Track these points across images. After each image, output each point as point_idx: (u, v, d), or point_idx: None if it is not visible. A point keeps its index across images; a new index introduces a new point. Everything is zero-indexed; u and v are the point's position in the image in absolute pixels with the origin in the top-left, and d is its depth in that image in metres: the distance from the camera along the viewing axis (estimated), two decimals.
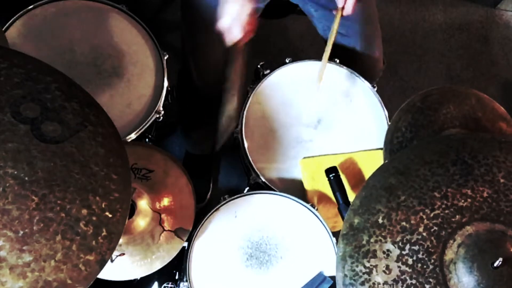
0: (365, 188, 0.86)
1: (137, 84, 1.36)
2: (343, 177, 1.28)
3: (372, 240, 0.80)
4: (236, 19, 1.18)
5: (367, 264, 0.79)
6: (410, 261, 0.79)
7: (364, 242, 0.80)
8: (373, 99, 1.44)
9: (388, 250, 0.79)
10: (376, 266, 0.79)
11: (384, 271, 0.78)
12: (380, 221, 0.81)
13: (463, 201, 0.83)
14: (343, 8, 1.32)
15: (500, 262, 0.76)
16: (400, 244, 0.80)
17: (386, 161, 1.14)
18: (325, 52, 1.37)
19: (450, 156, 0.86)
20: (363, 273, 0.79)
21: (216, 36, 1.43)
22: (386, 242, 0.80)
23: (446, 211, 0.82)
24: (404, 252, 0.79)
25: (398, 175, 0.85)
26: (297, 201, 1.27)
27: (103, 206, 0.77)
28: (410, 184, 0.84)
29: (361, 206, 0.83)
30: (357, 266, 0.79)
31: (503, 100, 2.25)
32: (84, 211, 0.76)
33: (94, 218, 0.76)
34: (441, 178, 0.84)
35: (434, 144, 0.93)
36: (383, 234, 0.80)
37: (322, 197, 1.32)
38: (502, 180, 0.85)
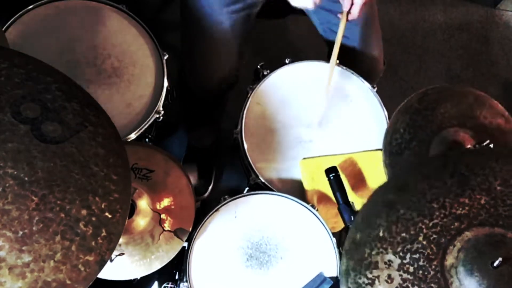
0: (366, 206, 0.87)
1: (137, 84, 1.36)
2: (343, 177, 1.28)
3: (373, 252, 0.81)
4: None
5: (370, 275, 0.80)
6: (411, 269, 0.80)
7: (366, 255, 0.81)
8: (373, 100, 1.44)
9: (389, 261, 0.81)
10: (378, 276, 0.80)
11: (386, 281, 0.80)
12: (381, 234, 0.83)
13: (461, 209, 0.84)
14: (348, 12, 1.31)
15: (500, 262, 0.76)
16: (400, 253, 0.81)
17: (386, 162, 1.15)
18: (332, 57, 1.36)
19: (447, 170, 0.88)
20: (366, 284, 0.80)
21: (215, 38, 1.43)
22: (387, 253, 0.81)
23: (445, 220, 0.83)
24: (405, 261, 0.80)
25: (397, 191, 0.87)
26: (297, 202, 1.27)
27: (102, 206, 0.77)
28: (409, 198, 0.86)
29: (362, 222, 0.85)
30: (359, 278, 0.80)
31: (503, 100, 2.23)
32: (84, 212, 0.76)
33: (93, 219, 0.76)
34: (438, 190, 0.86)
35: (432, 161, 0.96)
36: (384, 246, 0.82)
37: (322, 197, 1.32)
38: (498, 188, 0.86)
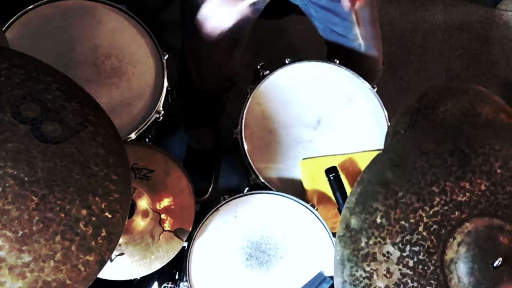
0: (360, 184, 0.82)
1: (137, 84, 1.36)
2: (343, 177, 1.28)
3: (371, 242, 0.77)
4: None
5: (367, 268, 0.76)
6: (411, 263, 0.77)
7: (363, 244, 0.77)
8: (373, 100, 1.44)
9: (388, 252, 0.77)
10: (376, 270, 0.76)
11: (385, 275, 0.76)
12: (378, 220, 0.78)
13: (461, 195, 0.81)
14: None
15: (500, 262, 0.76)
16: (400, 245, 0.77)
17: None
18: None
19: (447, 145, 0.83)
20: (364, 278, 0.76)
21: (215, 40, 1.43)
22: (385, 243, 0.77)
23: (445, 207, 0.80)
24: (404, 254, 0.77)
25: (394, 168, 0.81)
26: (297, 201, 1.27)
27: (102, 206, 0.77)
28: (408, 178, 0.81)
29: (357, 204, 0.80)
30: (356, 270, 0.76)
31: (503, 100, 2.25)
32: (84, 212, 0.76)
33: (93, 219, 0.76)
34: (438, 170, 0.81)
35: (430, 132, 0.90)
36: (382, 235, 0.77)
37: (322, 198, 1.32)
38: (499, 171, 0.83)
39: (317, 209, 1.26)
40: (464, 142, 0.84)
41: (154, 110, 1.34)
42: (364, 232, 0.78)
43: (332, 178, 1.26)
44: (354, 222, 0.79)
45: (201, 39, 1.45)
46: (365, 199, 0.80)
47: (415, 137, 0.89)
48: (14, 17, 1.31)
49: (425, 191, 0.80)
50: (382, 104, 1.43)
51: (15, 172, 0.74)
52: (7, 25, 1.30)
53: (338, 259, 0.77)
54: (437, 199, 0.80)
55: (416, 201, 0.80)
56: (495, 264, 0.76)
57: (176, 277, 1.35)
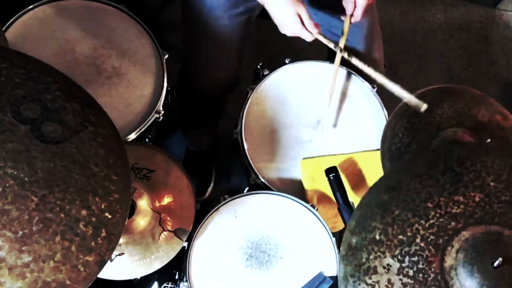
0: (359, 208, 0.86)
1: (137, 84, 1.36)
2: (343, 177, 1.28)
3: (371, 257, 0.80)
4: (295, 23, 1.28)
5: (369, 281, 0.79)
6: (411, 273, 0.79)
7: (363, 260, 0.80)
8: (373, 100, 1.44)
9: (388, 265, 0.80)
10: (378, 281, 0.79)
11: (386, 286, 0.79)
12: (377, 237, 0.82)
13: (456, 207, 0.83)
14: (351, 15, 1.32)
15: (500, 262, 0.76)
16: (399, 257, 0.80)
17: (386, 166, 1.14)
18: (336, 59, 1.37)
19: (438, 167, 0.87)
20: None
21: (217, 40, 1.44)
22: (385, 257, 0.80)
23: (441, 220, 0.83)
24: (404, 265, 0.80)
25: (390, 191, 0.86)
26: (297, 201, 1.27)
27: (102, 207, 0.77)
28: (403, 198, 0.85)
29: (357, 225, 0.84)
30: (359, 284, 0.79)
31: (503, 100, 2.25)
32: (84, 212, 0.76)
33: (93, 219, 0.76)
34: (432, 189, 0.85)
35: (422, 157, 0.94)
36: (381, 249, 0.81)
37: (322, 197, 1.32)
38: (492, 184, 0.86)
39: (317, 209, 1.26)
40: (455, 161, 0.88)
41: (154, 110, 1.34)
42: (364, 248, 0.82)
43: (332, 178, 1.26)
44: (354, 241, 0.83)
45: (203, 42, 1.45)
46: (364, 220, 0.84)
47: (408, 164, 0.94)
48: (14, 17, 1.31)
49: (420, 207, 0.84)
50: (382, 104, 1.43)
51: (15, 172, 0.74)
52: (7, 25, 1.30)
53: (342, 276, 0.81)
54: (432, 213, 0.84)
55: (412, 216, 0.83)
56: (495, 264, 0.76)
57: (176, 277, 1.35)
